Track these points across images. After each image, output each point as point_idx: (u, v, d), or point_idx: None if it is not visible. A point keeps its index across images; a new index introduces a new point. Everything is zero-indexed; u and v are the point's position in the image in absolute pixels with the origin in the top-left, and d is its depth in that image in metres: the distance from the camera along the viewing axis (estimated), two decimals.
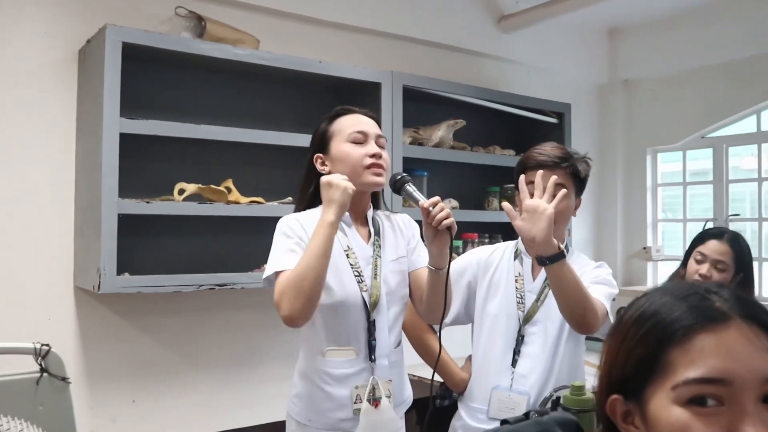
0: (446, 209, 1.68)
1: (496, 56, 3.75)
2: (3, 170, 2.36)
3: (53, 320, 2.43)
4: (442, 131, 3.14)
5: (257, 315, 2.85)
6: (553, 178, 1.84)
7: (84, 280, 2.38)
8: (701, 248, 2.51)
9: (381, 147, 1.83)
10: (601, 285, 1.97)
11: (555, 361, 2.00)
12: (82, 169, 2.44)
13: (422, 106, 3.18)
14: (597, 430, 0.91)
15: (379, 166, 1.79)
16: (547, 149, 1.99)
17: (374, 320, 1.78)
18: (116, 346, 2.55)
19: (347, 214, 1.80)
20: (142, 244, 2.54)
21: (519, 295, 2.01)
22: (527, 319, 2.00)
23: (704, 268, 2.46)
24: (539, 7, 3.57)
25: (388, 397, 1.78)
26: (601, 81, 4.36)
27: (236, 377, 2.81)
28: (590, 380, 2.05)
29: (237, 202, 2.55)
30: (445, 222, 1.66)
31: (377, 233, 1.86)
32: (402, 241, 1.91)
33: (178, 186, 2.45)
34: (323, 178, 1.71)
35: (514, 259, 2.07)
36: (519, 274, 2.04)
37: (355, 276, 1.78)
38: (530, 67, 3.95)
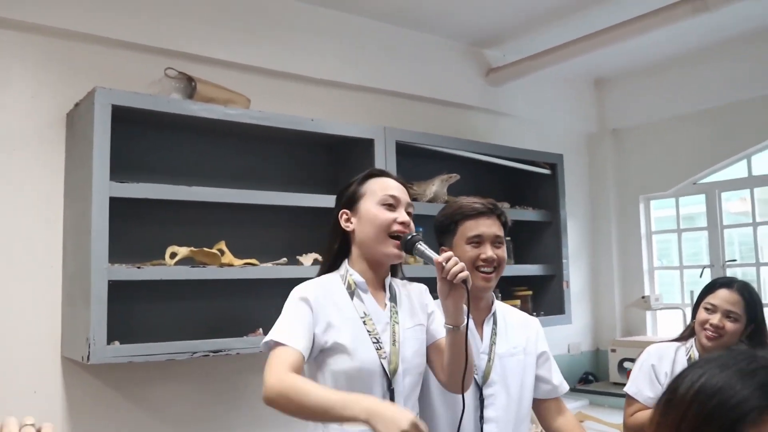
0: (460, 263, 1.64)
1: (487, 109, 3.76)
2: None
3: (39, 393, 2.33)
4: (436, 186, 3.10)
5: (255, 380, 2.75)
6: (494, 229, 1.97)
7: (72, 350, 2.29)
8: (710, 298, 2.45)
9: (409, 214, 1.82)
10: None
11: (521, 417, 1.99)
12: (71, 235, 2.37)
13: (415, 161, 3.16)
14: None
15: (402, 235, 1.76)
16: (477, 199, 2.03)
17: (393, 389, 1.71)
18: (106, 418, 2.44)
19: (363, 280, 1.78)
20: (133, 311, 2.46)
21: None
22: (484, 380, 1.95)
23: (715, 319, 2.40)
24: (525, 60, 3.60)
25: None
26: (591, 130, 4.38)
27: None
28: None
29: (230, 265, 2.48)
30: (460, 275, 1.62)
31: (393, 299, 1.82)
32: (419, 309, 1.86)
33: (169, 249, 2.38)
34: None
35: None
36: None
37: (374, 342, 1.71)
38: (521, 119, 3.96)
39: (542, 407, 2.12)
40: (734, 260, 3.90)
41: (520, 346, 2.05)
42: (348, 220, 1.82)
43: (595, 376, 4.12)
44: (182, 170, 2.64)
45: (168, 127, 2.58)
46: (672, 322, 4.04)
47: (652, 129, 4.18)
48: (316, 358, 1.74)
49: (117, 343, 2.21)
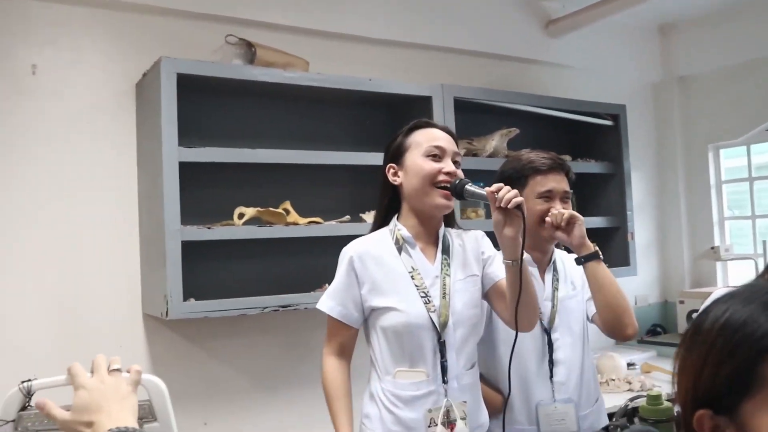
0: (513, 190, 1.63)
1: (546, 62, 3.71)
2: (70, 204, 2.44)
3: (124, 347, 2.49)
4: (495, 141, 3.11)
5: (321, 334, 2.85)
6: (563, 185, 2.01)
7: (152, 307, 2.44)
8: None
9: (457, 164, 1.81)
10: None
11: (585, 360, 2.04)
12: (145, 199, 2.50)
13: (474, 117, 3.16)
14: None
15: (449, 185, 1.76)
16: (546, 154, 2.06)
17: (444, 341, 1.74)
18: (185, 370, 2.60)
19: (411, 234, 1.79)
20: (206, 269, 2.58)
21: None
22: (550, 325, 2.00)
23: None
24: (586, 9, 3.52)
25: (463, 419, 1.73)
26: (656, 79, 4.26)
27: (302, 397, 2.82)
28: (668, 386, 2.00)
29: (296, 224, 2.58)
30: (515, 200, 1.60)
31: (446, 251, 1.82)
32: (472, 259, 1.85)
33: (237, 210, 2.49)
34: None
35: None
36: None
37: (422, 297, 1.74)
38: (581, 71, 3.88)
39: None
40: None
41: (577, 284, 2.09)
42: (395, 174, 1.82)
43: (663, 328, 4.08)
44: (246, 134, 2.73)
45: (231, 92, 2.67)
46: (744, 273, 3.95)
47: (722, 75, 4.04)
48: (369, 317, 1.81)
49: (192, 300, 2.34)
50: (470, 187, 1.74)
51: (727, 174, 4.19)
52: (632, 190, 3.53)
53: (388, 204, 1.86)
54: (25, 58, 2.40)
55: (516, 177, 2.04)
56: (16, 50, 2.39)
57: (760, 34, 3.77)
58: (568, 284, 2.08)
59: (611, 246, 3.49)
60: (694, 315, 2.98)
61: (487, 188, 1.66)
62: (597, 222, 3.43)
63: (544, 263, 2.08)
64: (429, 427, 1.70)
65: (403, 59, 3.23)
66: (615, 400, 2.60)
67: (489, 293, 1.85)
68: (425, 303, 1.74)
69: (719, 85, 4.06)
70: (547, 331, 1.99)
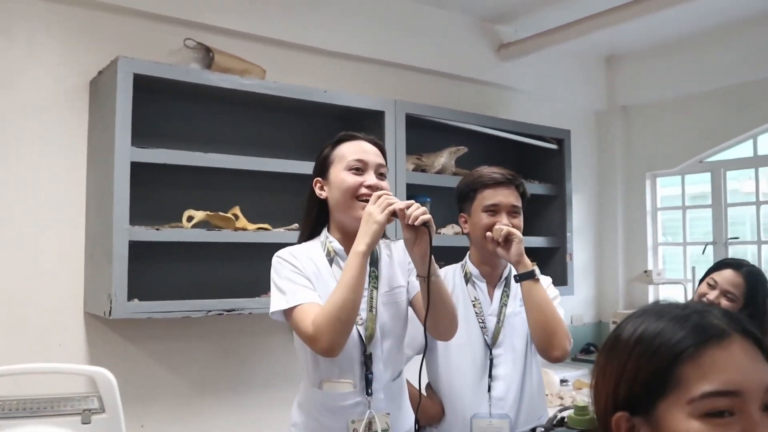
0: (423, 207, 1.65)
1: (497, 84, 3.82)
2: (14, 197, 2.41)
3: (63, 345, 2.47)
4: (444, 158, 3.19)
5: (265, 340, 2.89)
6: (511, 199, 2.02)
7: (94, 306, 2.42)
8: (716, 275, 2.50)
9: (382, 176, 1.80)
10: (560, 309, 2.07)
11: (526, 377, 2.06)
12: (93, 197, 2.49)
13: (425, 134, 3.24)
14: None
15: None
16: (497, 169, 2.10)
17: (370, 353, 1.75)
18: (125, 371, 2.57)
19: (342, 247, 1.78)
20: (152, 270, 2.58)
21: (480, 320, 2.06)
22: (494, 342, 2.04)
23: (713, 295, 2.44)
24: (537, 36, 3.65)
25: (385, 430, 1.75)
26: (600, 107, 4.43)
27: (244, 402, 2.83)
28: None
29: (244, 229, 2.60)
30: (422, 218, 1.62)
31: (374, 264, 1.80)
32: (398, 270, 1.86)
33: (186, 213, 2.50)
34: (366, 209, 1.67)
35: (466, 284, 2.11)
36: (475, 298, 2.09)
37: None
38: (530, 95, 4.01)
39: None
40: (737, 237, 3.97)
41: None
42: (321, 188, 1.81)
43: (596, 347, 4.23)
44: (200, 137, 2.74)
45: (187, 95, 2.68)
46: (674, 297, 4.12)
47: (662, 107, 4.23)
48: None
49: (137, 300, 2.34)
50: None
51: (663, 202, 4.38)
52: (573, 213, 3.66)
53: (315, 217, 1.85)
54: None
55: (467, 191, 2.11)
56: None
57: (697, 70, 3.97)
58: (517, 301, 2.10)
59: (551, 265, 3.61)
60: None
61: (397, 204, 1.65)
62: (538, 242, 3.54)
63: (494, 278, 2.12)
64: None
65: (358, 73, 3.29)
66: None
67: (412, 302, 1.86)
68: None
69: (659, 116, 4.25)
70: (489, 347, 2.03)
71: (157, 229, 2.40)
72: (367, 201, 1.72)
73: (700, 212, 4.26)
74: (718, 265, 2.56)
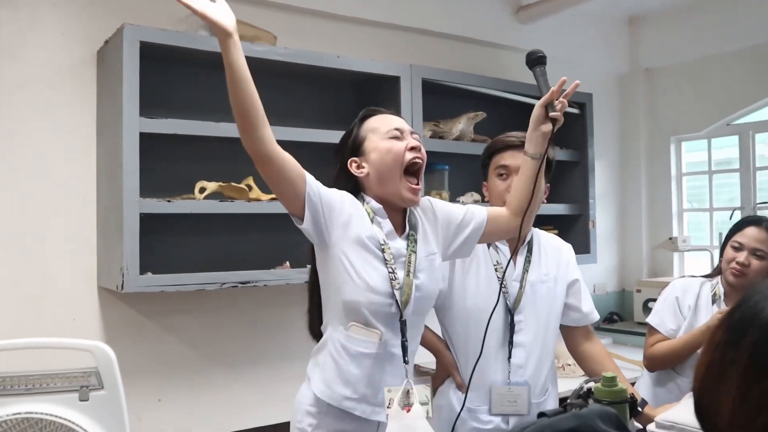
0: (566, 103, 1.75)
1: (515, 47, 3.71)
2: (24, 172, 2.37)
3: (78, 320, 2.45)
4: (462, 124, 3.11)
5: (280, 312, 2.85)
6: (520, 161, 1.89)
7: (107, 280, 2.39)
8: (738, 236, 2.42)
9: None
10: None
11: (546, 346, 2.04)
12: (103, 170, 2.44)
13: (442, 100, 3.15)
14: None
15: (419, 163, 1.74)
16: (514, 133, 2.07)
17: (405, 320, 1.70)
18: (140, 345, 2.56)
19: (381, 206, 1.73)
20: (164, 243, 2.54)
21: (503, 285, 2.00)
22: (515, 306, 2.00)
23: (742, 256, 2.38)
24: None
25: (424, 404, 1.68)
26: (622, 70, 4.30)
27: (260, 375, 2.80)
28: (623, 372, 2.02)
29: (258, 200, 2.54)
30: (561, 113, 1.74)
31: (413, 227, 1.77)
32: (432, 237, 1.81)
33: (198, 184, 2.45)
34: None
35: (488, 248, 2.06)
36: (497, 262, 2.04)
37: (389, 273, 1.68)
38: (550, 58, 3.85)
39: (571, 334, 2.17)
40: (765, 202, 3.85)
41: (551, 273, 2.09)
42: (359, 166, 1.76)
43: (620, 316, 4.15)
44: (210, 107, 2.67)
45: (195, 63, 2.62)
46: (700, 264, 4.03)
47: (687, 69, 4.09)
48: (326, 249, 1.69)
49: (149, 273, 2.30)
50: (539, 69, 1.85)
51: (688, 167, 4.26)
52: (595, 179, 3.57)
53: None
54: None
55: (483, 159, 2.12)
56: None
57: (723, 29, 3.82)
58: (541, 269, 2.07)
59: (572, 233, 3.53)
60: (650, 304, 2.99)
61: (551, 86, 1.76)
62: (559, 209, 3.46)
63: (513, 241, 2.02)
64: (387, 407, 1.66)
65: (372, 38, 3.20)
66: (570, 384, 2.62)
67: (486, 233, 1.84)
68: (391, 280, 1.68)
69: (683, 78, 4.11)
70: (511, 312, 1.99)
71: (169, 201, 2.35)
72: (414, 173, 1.73)
73: (726, 177, 4.14)
74: (738, 226, 2.49)
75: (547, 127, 1.76)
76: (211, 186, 2.46)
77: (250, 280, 2.47)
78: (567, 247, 2.20)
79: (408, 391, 1.68)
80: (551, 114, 1.74)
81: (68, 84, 2.46)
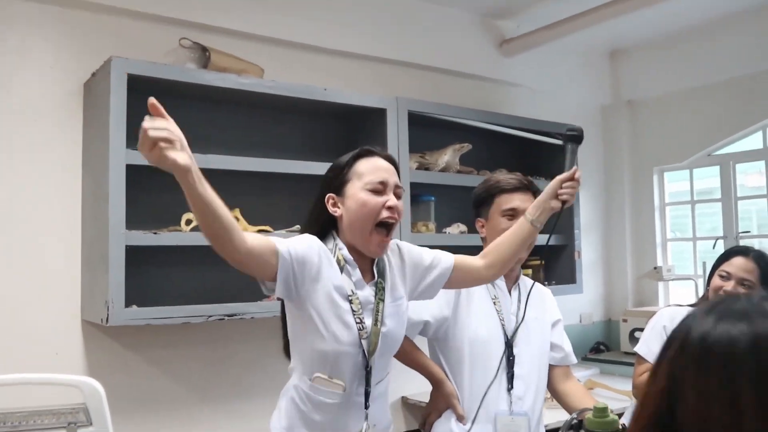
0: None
1: (500, 80, 3.76)
2: (10, 202, 2.36)
3: (60, 354, 2.41)
4: (448, 156, 3.13)
5: (267, 345, 2.81)
6: (527, 204, 1.98)
7: (91, 313, 2.36)
8: (726, 266, 2.45)
9: (398, 197, 1.73)
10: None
11: (541, 377, 2.12)
12: (89, 201, 2.43)
13: (428, 132, 3.17)
14: None
15: (392, 222, 1.71)
16: (513, 175, 2.17)
17: (371, 368, 1.70)
18: (124, 379, 2.52)
19: (351, 257, 1.71)
20: (150, 276, 2.52)
21: (500, 318, 2.08)
22: (512, 339, 2.06)
23: (729, 285, 2.40)
24: (540, 31, 3.58)
25: None
26: (605, 102, 4.36)
27: (246, 409, 2.76)
28: (610, 403, 2.02)
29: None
30: (569, 200, 1.86)
31: (381, 274, 1.76)
32: (399, 281, 1.80)
33: (185, 216, 2.44)
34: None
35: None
36: (495, 296, 2.11)
37: (357, 323, 1.67)
38: (534, 90, 3.95)
39: (552, 372, 2.22)
40: (747, 231, 3.89)
41: (539, 313, 2.17)
42: (335, 204, 1.73)
43: (606, 346, 4.15)
44: (197, 139, 2.63)
45: (183, 96, 2.62)
46: (684, 293, 4.05)
47: (668, 100, 4.16)
48: (296, 302, 1.67)
49: (135, 306, 2.28)
50: (571, 146, 1.99)
51: (671, 197, 4.30)
52: (580, 210, 3.59)
53: (319, 231, 1.76)
54: None
55: (484, 197, 2.16)
56: None
57: (703, 62, 3.90)
58: (537, 309, 2.15)
59: (558, 264, 3.54)
60: (637, 334, 3.03)
61: (575, 168, 1.91)
62: (546, 239, 3.46)
63: (512, 278, 2.17)
64: None
65: (359, 71, 3.23)
66: (559, 416, 2.62)
67: (452, 279, 1.84)
68: (359, 330, 1.68)
69: (665, 109, 4.18)
70: (510, 346, 2.05)
71: (155, 233, 2.34)
72: (385, 225, 1.69)
73: (708, 207, 4.19)
74: (726, 255, 2.52)
75: (557, 204, 1.86)
76: None
77: (237, 312, 2.45)
78: (547, 291, 2.32)
79: None
80: (561, 197, 1.86)
81: (55, 115, 2.45)
